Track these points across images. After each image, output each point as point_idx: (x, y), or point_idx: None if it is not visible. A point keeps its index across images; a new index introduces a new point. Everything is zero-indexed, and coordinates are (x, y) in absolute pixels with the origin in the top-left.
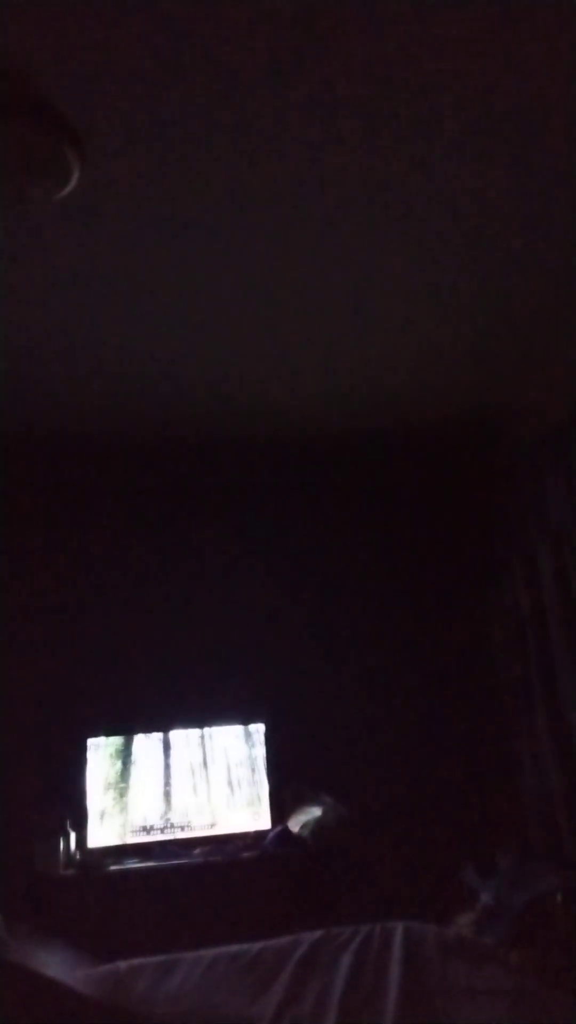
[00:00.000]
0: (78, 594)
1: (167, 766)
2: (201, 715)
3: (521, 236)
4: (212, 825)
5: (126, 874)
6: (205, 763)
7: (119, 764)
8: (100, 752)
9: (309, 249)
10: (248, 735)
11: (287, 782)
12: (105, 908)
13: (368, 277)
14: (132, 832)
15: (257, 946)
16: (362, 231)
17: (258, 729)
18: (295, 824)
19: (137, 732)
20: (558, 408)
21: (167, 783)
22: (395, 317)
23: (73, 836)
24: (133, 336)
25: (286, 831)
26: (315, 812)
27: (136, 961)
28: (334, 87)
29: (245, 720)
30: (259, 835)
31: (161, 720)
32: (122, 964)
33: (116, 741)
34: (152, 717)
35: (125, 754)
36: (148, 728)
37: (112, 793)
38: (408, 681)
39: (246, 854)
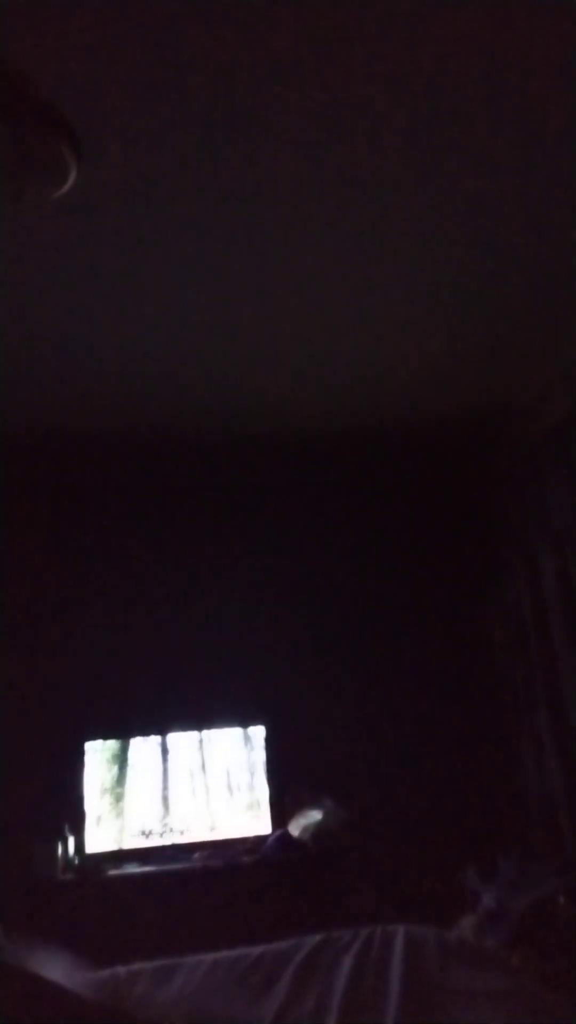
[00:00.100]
0: (75, 595)
1: (165, 770)
2: (199, 718)
3: (521, 236)
4: (211, 829)
5: (125, 879)
6: (204, 767)
7: (117, 768)
8: (98, 756)
9: (309, 249)
10: (247, 738)
11: (287, 785)
12: (104, 913)
13: (368, 277)
14: (130, 837)
15: (257, 950)
16: (362, 231)
17: (257, 732)
18: (295, 828)
19: (135, 735)
20: (559, 408)
21: (165, 787)
22: (396, 317)
23: (71, 841)
24: (132, 336)
25: (286, 835)
26: (316, 815)
27: (135, 966)
28: (334, 87)
29: (244, 723)
30: (259, 839)
31: (159, 723)
32: (121, 969)
33: (114, 745)
34: (150, 720)
35: (123, 758)
36: (146, 731)
37: (110, 797)
38: (408, 682)
39: (246, 858)
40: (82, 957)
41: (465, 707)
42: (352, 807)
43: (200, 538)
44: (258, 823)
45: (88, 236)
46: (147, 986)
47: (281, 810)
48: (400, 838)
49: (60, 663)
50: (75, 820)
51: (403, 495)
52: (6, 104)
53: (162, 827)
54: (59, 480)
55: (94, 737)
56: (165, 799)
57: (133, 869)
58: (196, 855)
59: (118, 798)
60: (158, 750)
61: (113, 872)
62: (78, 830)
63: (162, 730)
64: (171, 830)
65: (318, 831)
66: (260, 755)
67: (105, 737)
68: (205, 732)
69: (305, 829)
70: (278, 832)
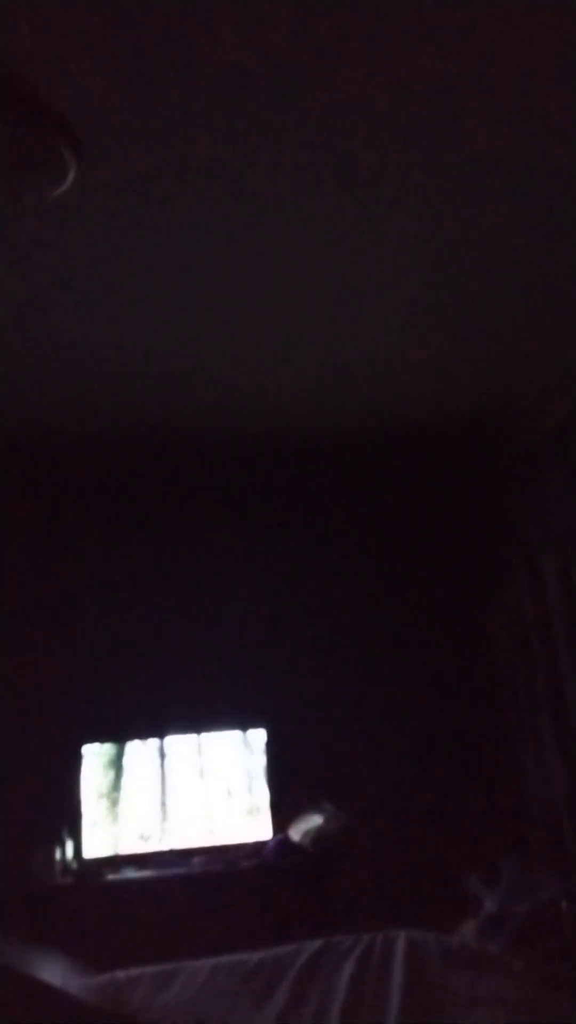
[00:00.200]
0: (74, 595)
1: (163, 774)
2: (199, 721)
3: (522, 236)
4: (211, 834)
5: (124, 884)
6: (203, 771)
7: (115, 772)
8: (96, 760)
9: (309, 248)
10: (247, 742)
11: (287, 789)
12: (103, 918)
13: (369, 277)
14: (129, 841)
15: (258, 955)
16: (362, 230)
17: (257, 735)
18: (296, 832)
19: (134, 738)
20: (560, 407)
21: (164, 791)
22: (396, 317)
23: (70, 845)
24: (132, 336)
25: (286, 840)
26: (316, 820)
27: (135, 970)
28: (334, 87)
29: (244, 726)
30: (259, 844)
31: (158, 726)
32: (121, 973)
33: (111, 749)
34: (149, 723)
35: (121, 762)
36: (145, 734)
37: (108, 802)
38: (409, 684)
39: (246, 863)
40: (81, 962)
41: (467, 710)
42: (353, 811)
43: (200, 538)
44: (258, 827)
45: (87, 235)
46: (147, 991)
47: (281, 814)
48: (401, 842)
49: (57, 665)
50: (73, 824)
51: (404, 495)
52: (5, 103)
53: (161, 831)
54: (56, 480)
55: (92, 740)
56: (164, 803)
57: (132, 874)
58: (195, 860)
59: (117, 802)
60: (157, 753)
61: (112, 877)
62: (76, 834)
63: (161, 733)
64: (170, 835)
65: (318, 836)
66: (260, 758)
67: (104, 740)
68: (204, 735)
69: (305, 834)
70: (278, 837)
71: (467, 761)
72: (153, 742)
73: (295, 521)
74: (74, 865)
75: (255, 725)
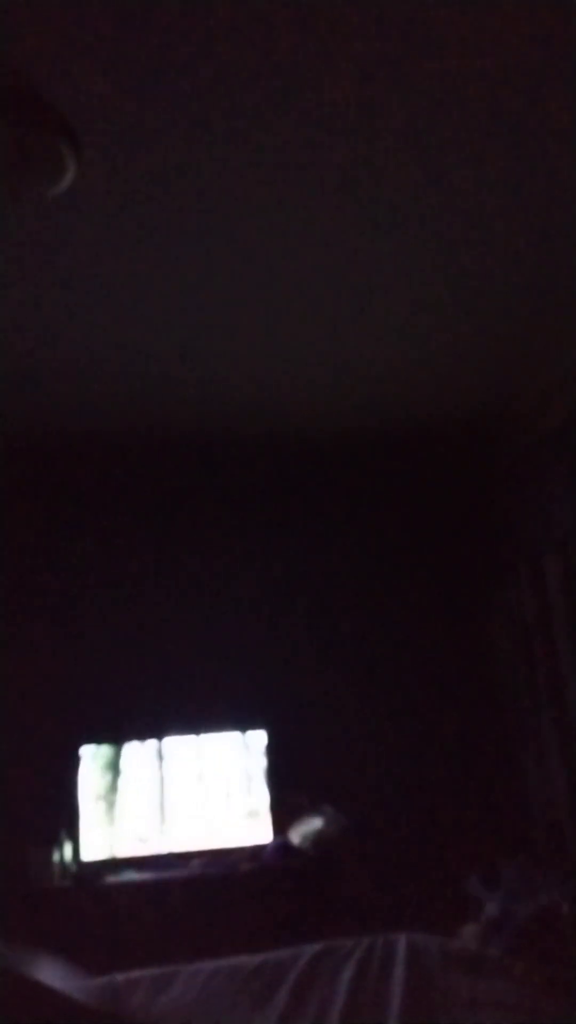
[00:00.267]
0: (73, 594)
1: (162, 776)
2: (198, 722)
3: (523, 235)
4: (210, 836)
5: (122, 886)
6: (202, 773)
7: (113, 774)
8: (94, 762)
9: (308, 248)
10: (246, 744)
11: (287, 792)
12: (102, 921)
13: (369, 277)
14: (128, 844)
15: (257, 959)
16: (362, 230)
17: (257, 736)
18: (295, 835)
19: (132, 740)
20: (561, 408)
21: (162, 793)
22: (397, 317)
23: (68, 848)
24: (131, 335)
25: (286, 842)
26: (316, 823)
27: (134, 973)
28: (334, 87)
29: (243, 727)
30: (258, 846)
31: (157, 727)
32: (120, 976)
33: (110, 750)
34: (147, 724)
35: (119, 764)
36: (143, 735)
37: (107, 804)
38: (410, 685)
39: (245, 866)
40: (80, 965)
41: (467, 711)
42: (353, 814)
43: (199, 538)
44: (257, 830)
45: (87, 234)
46: (146, 994)
47: (281, 817)
48: (402, 845)
49: (55, 665)
50: (71, 827)
51: (404, 496)
52: (4, 102)
53: (160, 834)
54: (56, 480)
55: (91, 741)
56: (163, 806)
57: (131, 876)
58: (195, 862)
59: (116, 805)
60: (155, 755)
61: (110, 879)
62: (74, 837)
63: (160, 734)
64: (169, 838)
65: (319, 838)
66: (259, 760)
67: (102, 741)
68: (203, 737)
69: (305, 836)
70: (278, 839)
71: (468, 763)
72: (152, 743)
73: (295, 521)
74: (73, 867)
75: (254, 726)
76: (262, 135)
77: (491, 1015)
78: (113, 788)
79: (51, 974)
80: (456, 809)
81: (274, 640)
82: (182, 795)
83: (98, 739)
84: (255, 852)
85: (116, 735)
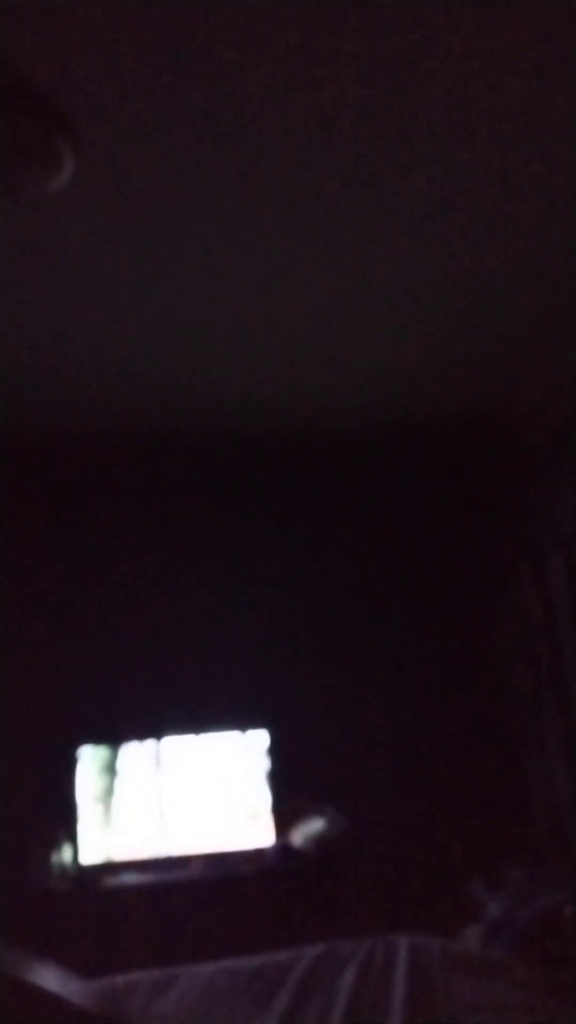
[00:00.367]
0: (72, 593)
1: (161, 777)
2: (198, 721)
3: (525, 234)
4: (211, 838)
5: (122, 890)
6: (202, 774)
7: (112, 776)
8: (92, 764)
9: (310, 246)
10: (247, 743)
11: (288, 793)
12: (101, 924)
13: (372, 274)
14: (127, 846)
15: (258, 961)
16: (364, 228)
17: (257, 737)
18: (297, 837)
19: (131, 740)
20: (566, 406)
21: (162, 795)
22: (400, 315)
23: (67, 851)
24: (130, 332)
25: (288, 844)
26: (318, 824)
27: (133, 976)
28: (334, 84)
29: (244, 726)
30: (260, 848)
31: (156, 726)
32: (119, 979)
33: (108, 752)
34: (147, 724)
35: (118, 765)
36: (142, 735)
37: (106, 807)
38: (413, 686)
39: (246, 868)
40: (79, 968)
41: (471, 712)
42: (356, 815)
43: (199, 537)
44: (259, 832)
45: (86, 231)
46: (146, 996)
47: (282, 818)
48: (404, 847)
49: (53, 665)
50: (70, 829)
51: (407, 495)
52: (2, 98)
53: (160, 836)
54: (55, 480)
55: (89, 742)
56: (163, 807)
57: (130, 879)
58: (195, 865)
59: (115, 807)
60: (155, 755)
61: (110, 882)
62: (73, 839)
63: (159, 734)
64: (169, 839)
65: (320, 840)
66: (261, 761)
67: (101, 742)
68: (204, 736)
69: (307, 838)
70: (279, 841)
71: (470, 764)
72: (151, 743)
73: (296, 520)
74: (72, 870)
75: (256, 726)
76: (262, 133)
77: (493, 1017)
78: (112, 790)
79: (50, 977)
80: (458, 810)
81: (275, 637)
82: (182, 796)
83: (97, 739)
84: (256, 854)
85: (115, 735)
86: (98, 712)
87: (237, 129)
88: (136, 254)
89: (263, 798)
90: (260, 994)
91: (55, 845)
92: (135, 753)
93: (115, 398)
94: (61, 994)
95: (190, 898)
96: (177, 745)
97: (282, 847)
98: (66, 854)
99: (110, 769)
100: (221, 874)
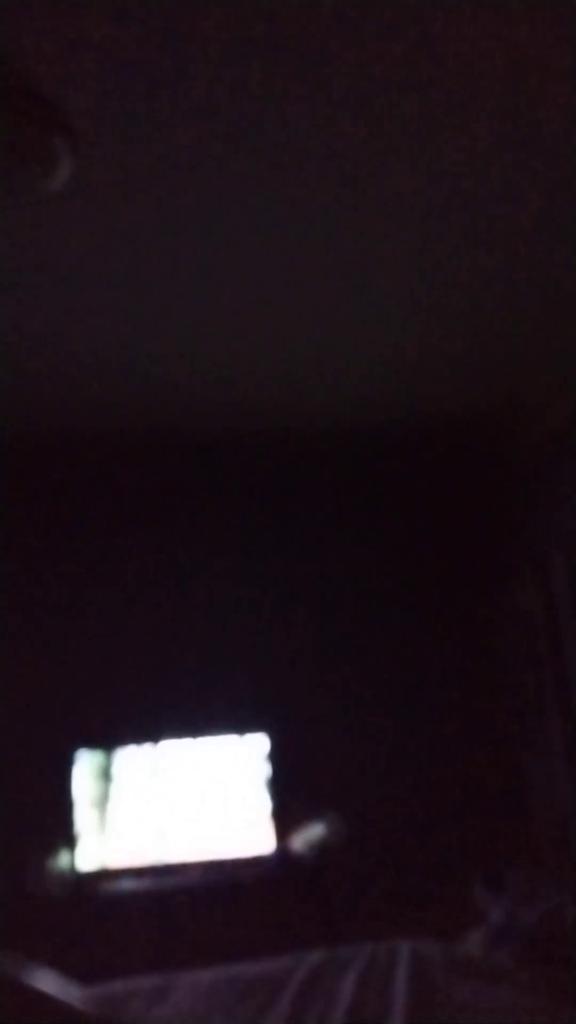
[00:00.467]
0: (71, 593)
1: (160, 782)
2: (197, 725)
3: (527, 234)
4: (210, 844)
5: (120, 896)
6: (201, 778)
7: (111, 782)
8: (91, 769)
9: (310, 246)
10: (247, 747)
11: (289, 798)
12: (99, 930)
13: (372, 274)
14: (126, 852)
15: (258, 967)
16: (365, 227)
17: (257, 741)
18: (297, 842)
19: (129, 744)
20: (568, 405)
21: (161, 800)
22: (401, 315)
23: (65, 857)
24: (130, 332)
25: (288, 850)
26: (318, 830)
27: (133, 982)
28: (335, 83)
29: (243, 730)
30: (259, 853)
31: (154, 730)
32: (118, 985)
33: (106, 757)
34: (144, 727)
35: (116, 771)
36: (140, 739)
37: (104, 812)
38: (414, 689)
39: (246, 874)
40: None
41: (472, 715)
42: (356, 820)
43: (199, 539)
44: (258, 837)
45: (84, 230)
46: (143, 1003)
47: (282, 823)
48: (405, 851)
49: (51, 668)
50: (68, 835)
51: (408, 496)
52: (2, 97)
53: (159, 842)
54: (55, 480)
55: (87, 746)
56: (162, 813)
57: (129, 885)
58: (194, 871)
59: (112, 812)
60: (153, 760)
61: (108, 889)
62: (71, 846)
63: (157, 738)
64: (168, 846)
65: (321, 845)
66: (261, 765)
67: (98, 746)
68: (202, 740)
69: (307, 844)
70: (280, 847)
71: (472, 767)
72: (149, 747)
73: (296, 521)
74: (70, 877)
75: (255, 730)
76: (262, 132)
77: (496, 1021)
78: (110, 795)
79: (49, 984)
80: (460, 814)
81: (275, 638)
82: (180, 801)
83: (94, 743)
84: (256, 859)
85: (113, 739)
86: (95, 716)
87: (237, 129)
88: (136, 254)
89: (262, 803)
90: (260, 1000)
91: (52, 851)
92: (133, 757)
93: (115, 398)
94: (62, 999)
95: (189, 904)
96: (175, 749)
97: (282, 852)
98: (64, 860)
99: (108, 774)
100: (220, 880)
